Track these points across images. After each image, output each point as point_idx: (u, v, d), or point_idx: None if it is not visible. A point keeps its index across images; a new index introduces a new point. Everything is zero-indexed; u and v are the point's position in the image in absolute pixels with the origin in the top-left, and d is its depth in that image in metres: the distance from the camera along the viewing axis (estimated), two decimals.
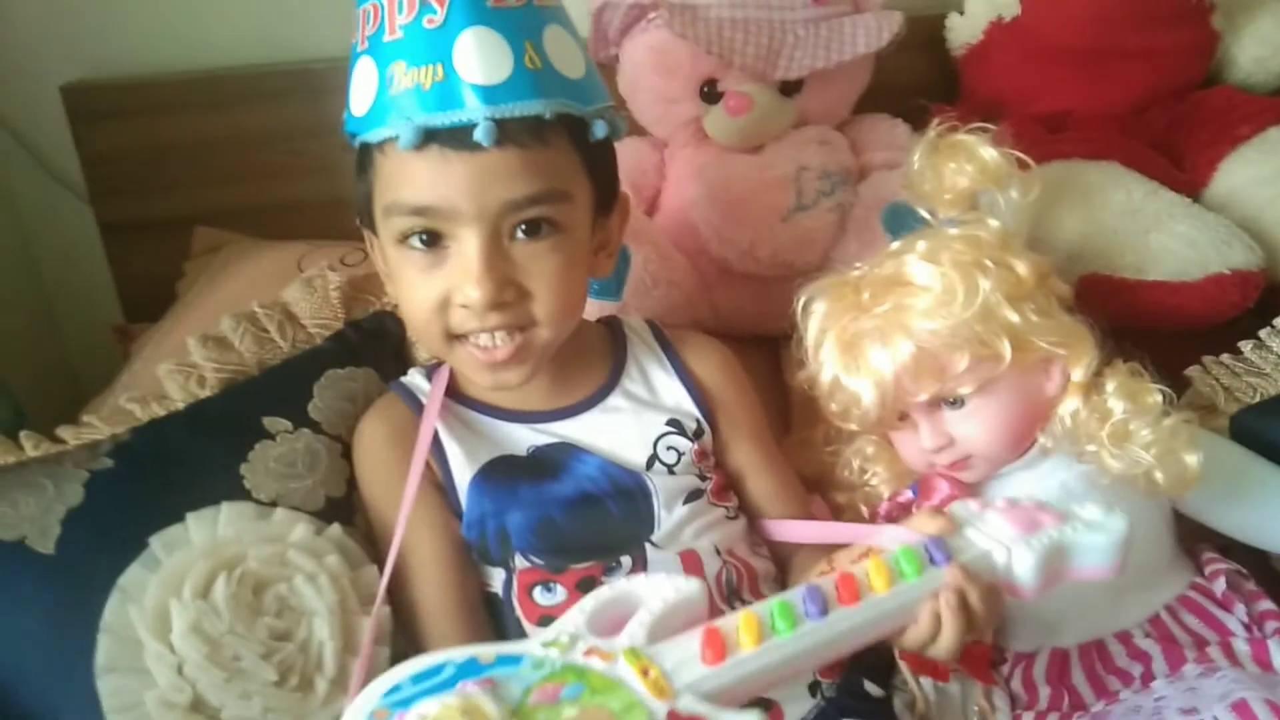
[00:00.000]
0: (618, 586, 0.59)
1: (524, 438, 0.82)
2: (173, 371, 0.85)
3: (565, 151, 0.73)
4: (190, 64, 1.31)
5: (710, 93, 1.11)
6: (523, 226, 0.72)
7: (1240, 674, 0.71)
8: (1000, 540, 0.63)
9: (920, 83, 1.29)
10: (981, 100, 1.23)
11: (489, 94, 0.68)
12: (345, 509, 0.81)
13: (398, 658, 0.76)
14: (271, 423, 0.82)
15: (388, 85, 0.70)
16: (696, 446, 0.83)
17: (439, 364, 0.85)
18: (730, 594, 0.79)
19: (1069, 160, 1.09)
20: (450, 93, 0.68)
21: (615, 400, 0.84)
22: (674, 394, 0.86)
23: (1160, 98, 1.21)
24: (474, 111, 0.68)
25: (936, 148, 0.86)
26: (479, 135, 0.68)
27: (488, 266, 0.71)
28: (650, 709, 0.50)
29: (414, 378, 0.86)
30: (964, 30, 1.28)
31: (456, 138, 0.69)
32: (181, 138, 1.28)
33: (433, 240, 0.72)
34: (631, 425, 0.83)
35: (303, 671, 0.72)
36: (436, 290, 0.73)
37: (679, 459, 0.82)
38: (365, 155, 0.75)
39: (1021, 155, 0.85)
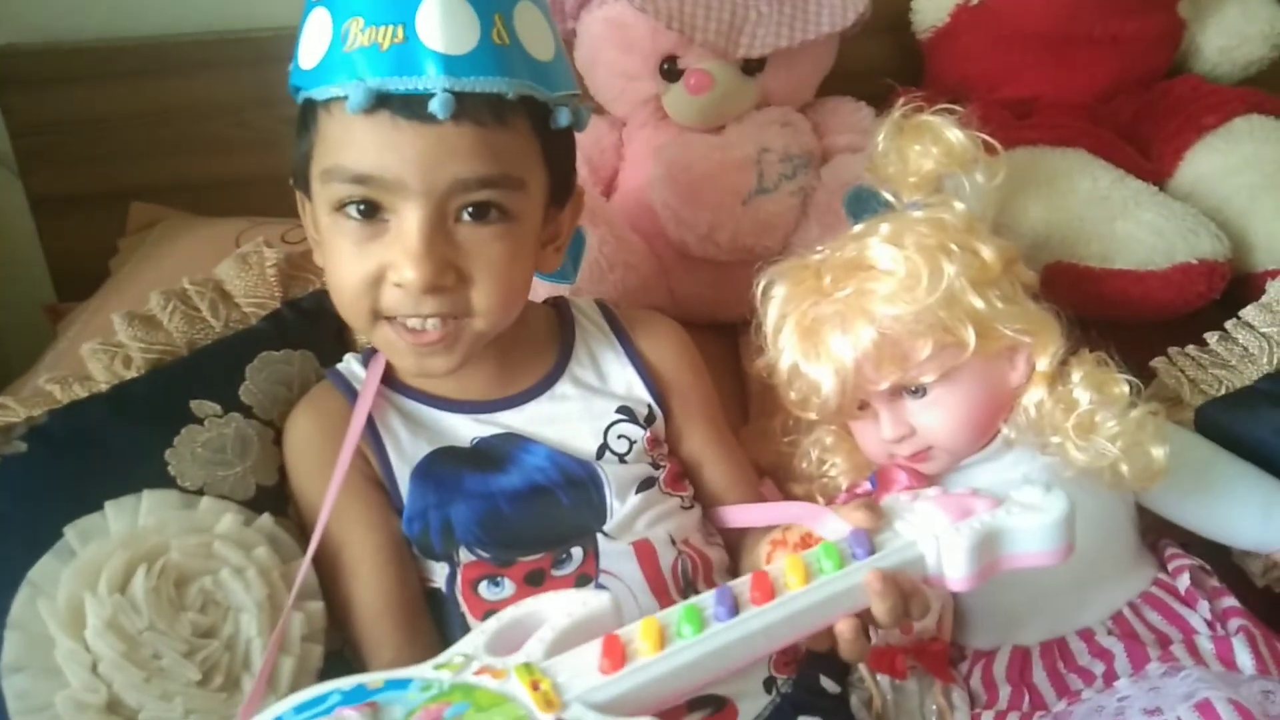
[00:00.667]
0: (522, 606, 0.57)
1: (467, 429, 0.78)
2: (97, 351, 0.81)
3: (524, 135, 0.70)
4: (129, 30, 1.26)
5: (670, 70, 1.08)
6: (470, 209, 0.68)
7: (1204, 673, 0.69)
8: (929, 531, 0.60)
9: (885, 66, 1.26)
10: (947, 85, 1.21)
11: (450, 64, 0.64)
12: (277, 498, 0.78)
13: (332, 656, 0.73)
14: (199, 406, 0.77)
15: (341, 40, 0.65)
16: (648, 433, 0.81)
17: (374, 350, 0.81)
18: (686, 585, 0.77)
19: (1035, 147, 1.07)
20: (409, 57, 0.64)
21: (563, 388, 0.81)
22: (625, 379, 0.83)
23: (1126, 86, 1.20)
24: (432, 81, 0.64)
25: (901, 129, 0.84)
26: (434, 106, 0.64)
27: (428, 247, 0.67)
28: None
29: (350, 365, 0.82)
30: (930, 13, 1.26)
31: (410, 106, 0.64)
32: (118, 108, 1.23)
33: (370, 211, 0.68)
34: (581, 414, 0.80)
35: (228, 670, 0.69)
36: (369, 265, 0.69)
37: (630, 447, 0.79)
38: (309, 112, 0.70)
39: (988, 138, 0.83)
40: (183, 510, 0.73)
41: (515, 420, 0.79)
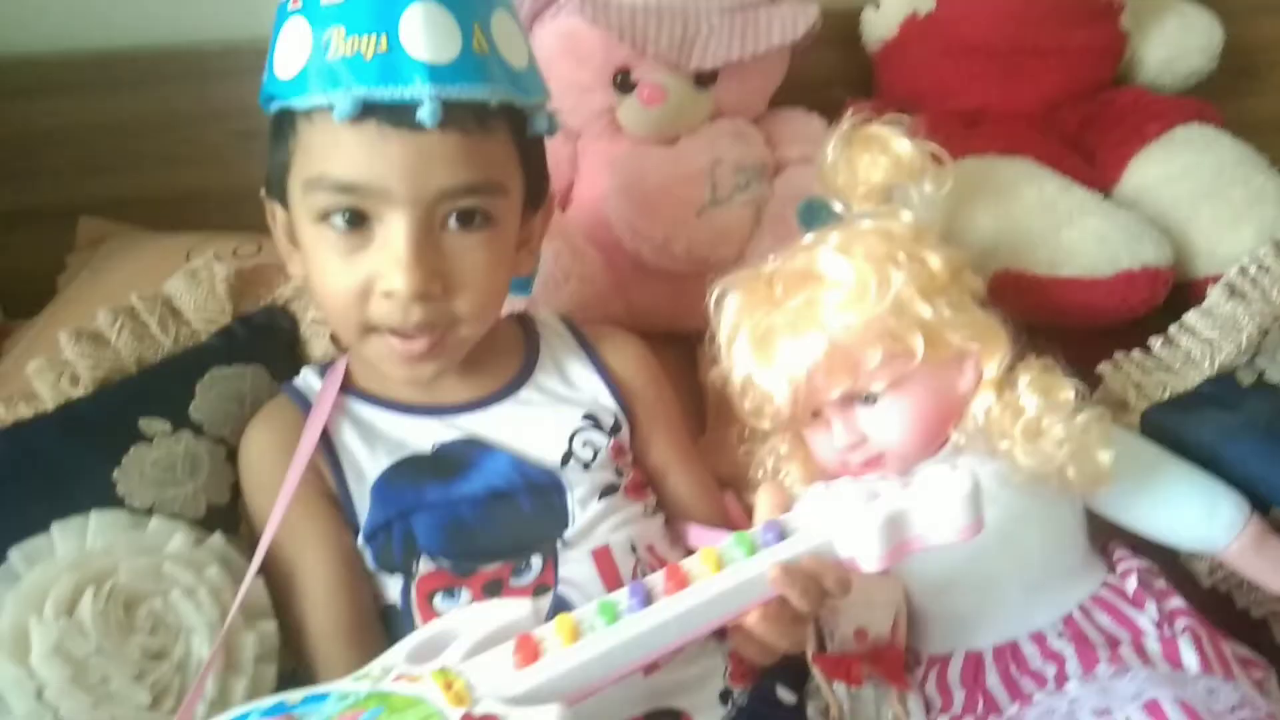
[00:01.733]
0: (442, 621, 0.59)
1: (429, 433, 0.78)
2: (43, 369, 0.80)
3: (504, 143, 0.71)
4: (75, 43, 1.23)
5: (624, 82, 1.08)
6: (455, 216, 0.69)
7: (1152, 673, 0.70)
8: (839, 515, 0.61)
9: (836, 78, 1.28)
10: (897, 96, 1.22)
11: (435, 73, 0.65)
12: (229, 517, 0.77)
13: (284, 676, 0.72)
14: (149, 424, 0.76)
15: (323, 50, 0.65)
16: (613, 442, 0.81)
17: (332, 363, 0.80)
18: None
19: (983, 156, 1.09)
20: (393, 66, 0.64)
21: (527, 394, 0.81)
22: (591, 387, 0.83)
23: (1072, 96, 1.22)
24: (418, 89, 0.64)
25: (850, 140, 0.85)
26: (423, 115, 0.64)
27: (417, 255, 0.67)
28: (445, 716, 0.48)
29: (307, 378, 0.81)
30: (880, 26, 1.27)
31: (397, 114, 0.65)
32: (65, 121, 1.20)
33: (356, 221, 0.68)
34: (545, 419, 0.80)
35: (180, 693, 0.68)
36: (358, 276, 0.69)
37: (595, 455, 0.79)
38: (286, 122, 0.69)
39: (936, 148, 0.85)
40: (132, 531, 0.71)
41: (479, 424, 0.79)
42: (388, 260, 0.67)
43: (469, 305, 0.71)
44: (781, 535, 0.61)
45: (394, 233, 0.67)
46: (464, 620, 0.58)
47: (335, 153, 0.66)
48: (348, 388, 0.79)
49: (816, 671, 0.78)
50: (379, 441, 0.77)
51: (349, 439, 0.77)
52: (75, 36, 1.23)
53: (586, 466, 0.79)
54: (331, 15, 0.65)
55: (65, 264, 1.16)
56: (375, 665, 0.54)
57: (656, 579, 0.58)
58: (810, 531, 0.62)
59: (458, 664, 0.53)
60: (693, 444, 0.90)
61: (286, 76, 0.68)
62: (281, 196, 0.73)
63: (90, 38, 1.24)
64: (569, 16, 1.07)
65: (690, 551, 0.83)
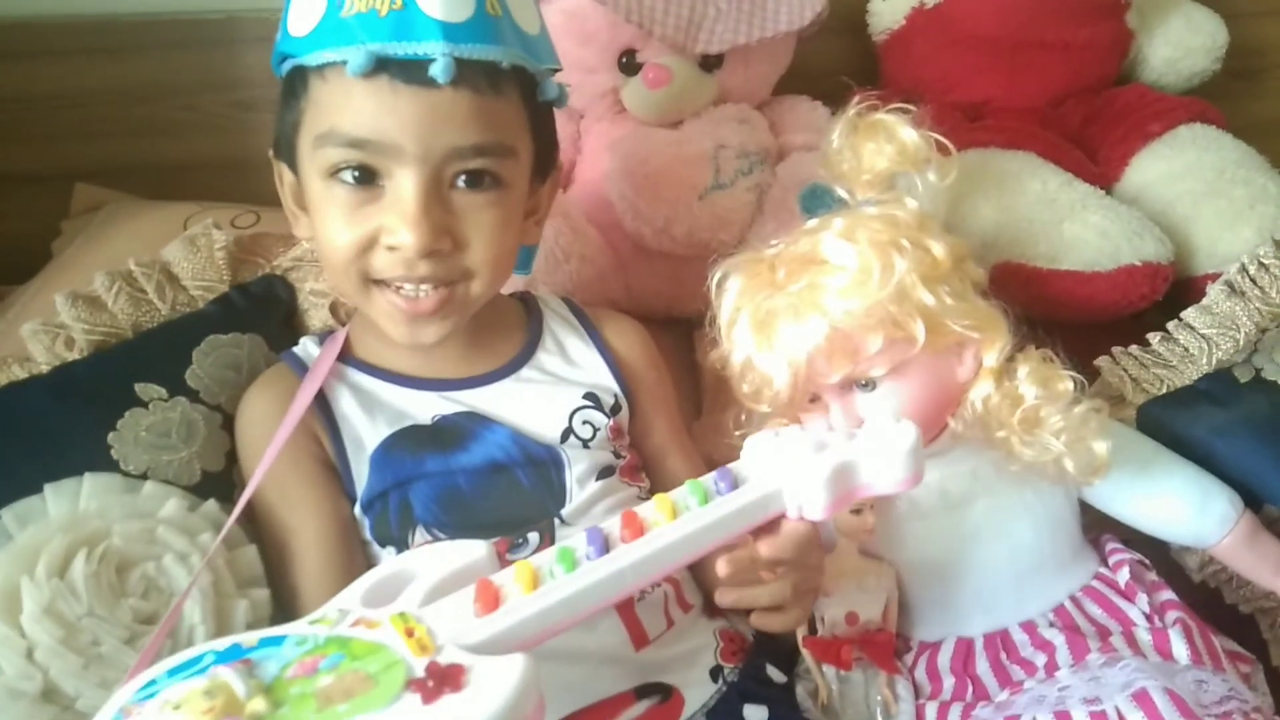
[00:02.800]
0: (397, 560, 0.59)
1: (429, 406, 0.78)
2: (38, 332, 0.79)
3: (515, 106, 0.71)
4: (78, 8, 1.22)
5: (629, 64, 1.08)
6: (464, 176, 0.69)
7: (1142, 663, 0.70)
8: (787, 465, 0.63)
9: (841, 68, 1.26)
10: (902, 87, 1.22)
11: (449, 31, 0.65)
12: (223, 484, 0.76)
13: None
14: (144, 389, 0.76)
15: (337, 7, 0.65)
16: (613, 423, 0.81)
17: (331, 331, 0.80)
18: None
19: (986, 149, 1.09)
20: (408, 23, 0.64)
21: (529, 372, 0.81)
22: (593, 367, 0.83)
23: (1076, 92, 1.22)
24: (432, 46, 0.64)
25: (856, 127, 0.84)
26: (436, 71, 0.64)
27: (425, 211, 0.67)
28: (409, 664, 0.48)
29: (306, 347, 0.81)
30: (886, 16, 1.27)
31: (409, 71, 0.65)
32: (64, 86, 1.20)
33: (365, 177, 0.68)
34: (546, 397, 0.80)
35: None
36: (364, 229, 0.69)
37: (594, 434, 0.79)
38: (299, 80, 0.69)
39: (940, 138, 0.84)
40: (125, 494, 0.71)
41: (479, 400, 0.78)
42: (395, 216, 0.68)
43: (480, 259, 0.71)
44: (734, 484, 0.63)
45: (403, 189, 0.67)
46: (420, 561, 0.58)
47: (347, 108, 0.66)
48: (348, 358, 0.79)
49: (806, 654, 0.78)
50: (379, 410, 0.77)
51: (348, 407, 0.77)
52: (76, 2, 1.23)
53: (586, 445, 0.79)
54: None
55: (60, 230, 1.16)
56: (330, 608, 0.54)
57: (613, 525, 0.60)
58: (760, 480, 0.64)
59: (417, 610, 0.53)
60: (687, 431, 0.90)
61: (300, 33, 0.68)
62: (290, 158, 0.73)
63: (91, 4, 1.23)
64: None
65: None
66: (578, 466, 0.77)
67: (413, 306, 0.71)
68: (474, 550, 0.58)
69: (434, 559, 0.58)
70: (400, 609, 0.53)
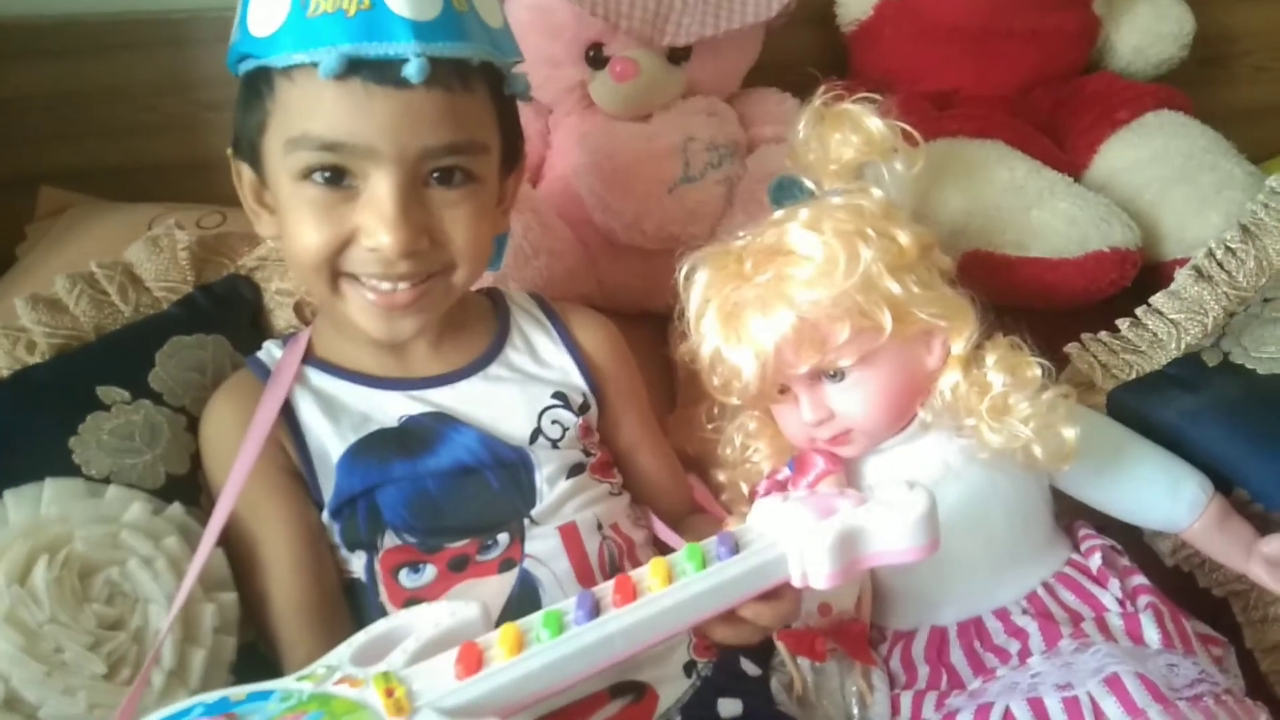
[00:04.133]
0: (392, 619, 0.58)
1: (396, 406, 0.77)
2: None
3: (485, 101, 0.70)
4: (39, 9, 1.20)
5: (596, 57, 1.07)
6: (437, 174, 0.69)
7: (1113, 648, 0.71)
8: (792, 530, 0.60)
9: (810, 59, 1.25)
10: (871, 78, 1.22)
11: (419, 30, 0.64)
12: (188, 488, 0.75)
13: (244, 648, 0.71)
14: (107, 393, 0.75)
15: (302, 7, 0.64)
16: (581, 421, 0.80)
17: (294, 334, 0.79)
18: (613, 571, 0.76)
19: (954, 138, 1.09)
20: (378, 23, 0.63)
21: (497, 370, 0.81)
22: (561, 365, 0.83)
23: (1044, 80, 1.23)
24: (404, 46, 0.64)
25: (822, 117, 0.84)
26: (409, 71, 0.63)
27: (404, 212, 0.67)
28: None
29: (270, 351, 0.80)
30: (854, 7, 1.27)
31: (381, 71, 0.64)
32: (27, 89, 1.18)
33: (337, 178, 0.67)
34: (514, 396, 0.79)
35: (136, 663, 0.66)
36: (338, 230, 0.68)
37: (564, 434, 0.79)
38: (262, 80, 0.68)
39: (907, 128, 0.84)
40: (88, 499, 0.70)
41: (447, 399, 0.78)
42: (373, 217, 0.67)
43: (461, 251, 0.71)
44: (735, 549, 0.60)
45: (378, 190, 0.67)
46: (413, 619, 0.57)
47: (319, 111, 0.65)
48: (311, 359, 0.78)
49: (781, 647, 0.78)
50: (343, 415, 0.76)
51: (312, 414, 0.76)
52: (36, 3, 1.21)
53: (555, 445, 0.78)
54: None
55: (25, 234, 1.14)
56: (320, 664, 0.54)
57: (605, 590, 0.58)
58: (762, 546, 0.61)
59: (400, 670, 0.53)
60: (658, 424, 0.90)
61: (263, 34, 0.66)
62: (252, 157, 0.72)
63: (51, 6, 1.21)
64: None
65: (657, 541, 0.83)
66: (547, 467, 0.77)
67: (388, 300, 0.71)
68: (467, 611, 0.57)
69: (427, 618, 0.57)
70: (384, 668, 0.53)
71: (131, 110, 1.19)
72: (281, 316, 0.87)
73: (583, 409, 0.81)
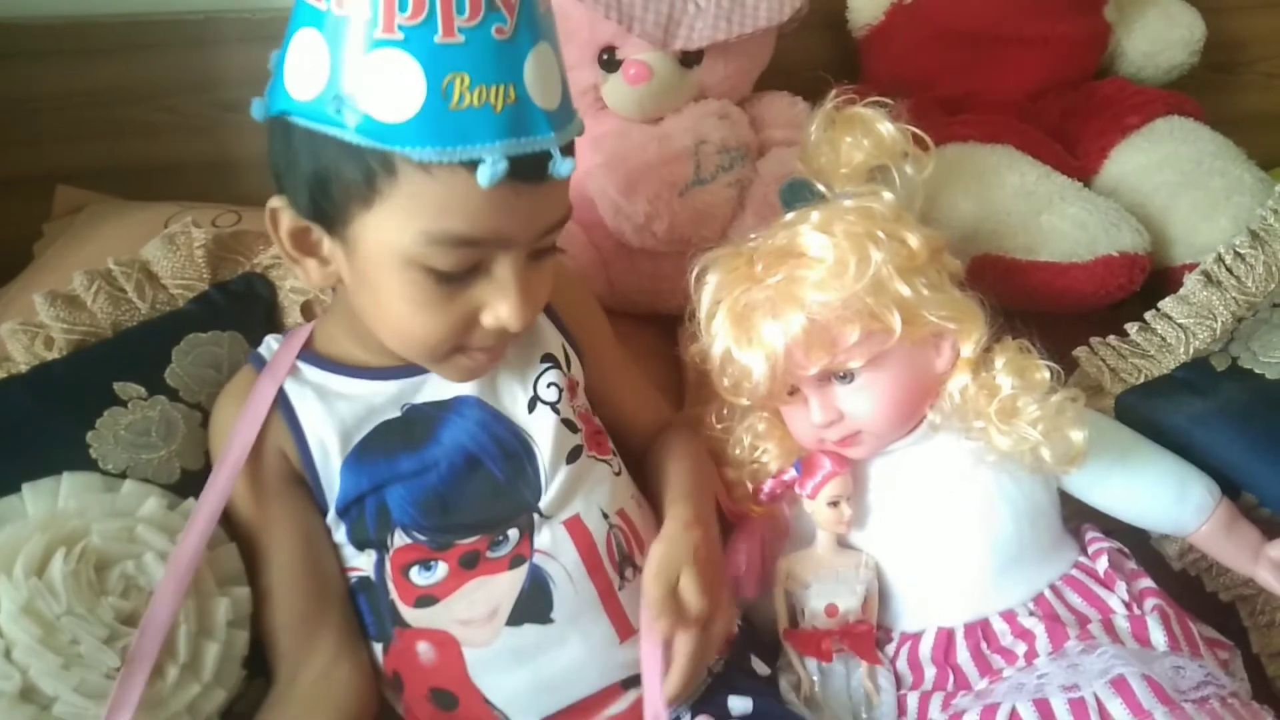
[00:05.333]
0: None
1: (398, 394, 0.76)
2: (16, 331, 0.79)
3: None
4: (57, 9, 1.22)
5: (609, 60, 1.08)
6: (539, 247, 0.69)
7: (1120, 650, 0.71)
8: None
9: (822, 63, 1.25)
10: (882, 82, 1.22)
11: (554, 120, 0.63)
12: (203, 483, 0.75)
13: (256, 642, 0.72)
14: (123, 388, 0.76)
15: (444, 98, 0.60)
16: (568, 379, 0.81)
17: (294, 329, 0.80)
18: (622, 560, 0.77)
19: (965, 143, 1.09)
20: (524, 118, 0.61)
21: None
22: (542, 327, 0.82)
23: (1055, 85, 1.23)
24: (548, 141, 0.62)
25: (833, 121, 0.85)
26: (560, 170, 0.63)
27: (526, 291, 0.67)
28: None
29: (270, 346, 0.79)
30: (865, 11, 1.27)
31: (529, 169, 0.62)
32: (44, 88, 1.19)
33: (465, 266, 0.66)
34: (509, 365, 0.79)
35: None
36: (460, 313, 0.68)
37: (560, 395, 0.79)
38: (374, 158, 0.62)
39: (918, 131, 0.85)
40: (104, 493, 0.71)
41: (444, 381, 0.77)
42: (497, 297, 0.67)
43: (532, 318, 0.71)
44: None
45: (504, 273, 0.66)
46: None
47: (465, 210, 0.62)
48: (311, 355, 0.78)
49: (787, 646, 0.78)
50: (345, 411, 0.75)
51: (310, 413, 0.75)
52: (56, 3, 1.22)
53: (554, 408, 0.78)
54: (452, 59, 0.59)
55: (42, 232, 1.15)
56: None
57: None
58: None
59: None
60: (631, 360, 0.92)
61: (390, 119, 0.60)
62: (325, 214, 0.67)
63: (71, 5, 1.22)
64: None
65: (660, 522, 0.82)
66: (545, 446, 0.76)
67: (490, 360, 0.73)
68: None
69: None
70: None
71: (149, 110, 1.20)
72: (295, 314, 0.88)
73: (568, 365, 0.82)
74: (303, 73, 0.62)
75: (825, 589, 0.80)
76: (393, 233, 0.64)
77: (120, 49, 1.20)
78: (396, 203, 0.63)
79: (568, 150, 0.66)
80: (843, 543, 0.83)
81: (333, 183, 0.64)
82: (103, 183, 1.19)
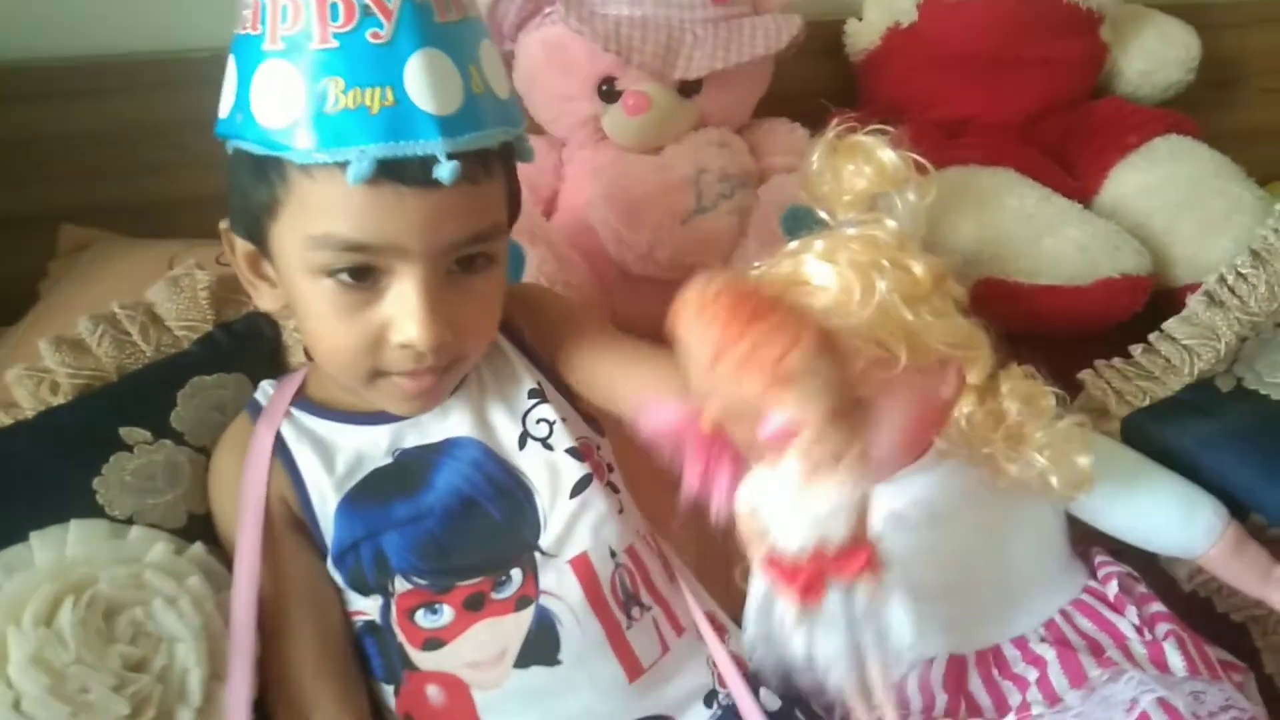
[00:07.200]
0: None
1: (390, 440, 0.76)
2: (22, 377, 0.79)
3: (500, 181, 0.69)
4: (61, 49, 1.22)
5: (609, 91, 1.08)
6: (460, 261, 0.68)
7: (1144, 676, 0.71)
8: None
9: (820, 88, 1.28)
10: (880, 106, 1.23)
11: (445, 125, 0.62)
12: (211, 526, 0.76)
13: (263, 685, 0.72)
14: (129, 433, 0.76)
15: (320, 102, 0.61)
16: (557, 411, 0.78)
17: (288, 374, 0.80)
18: (627, 599, 0.76)
19: (965, 166, 1.10)
20: (403, 121, 0.61)
21: (475, 382, 0.79)
22: (517, 363, 0.80)
23: (1054, 107, 1.23)
24: (432, 145, 0.61)
25: (835, 149, 0.85)
26: (441, 175, 0.62)
27: (433, 308, 0.65)
28: None
29: (265, 390, 0.79)
30: (863, 36, 1.28)
31: (410, 172, 0.62)
32: (48, 128, 1.19)
33: (360, 274, 0.66)
34: (496, 402, 0.78)
35: (161, 703, 0.67)
36: (367, 327, 0.67)
37: (551, 430, 0.78)
38: (272, 168, 0.64)
39: (919, 158, 0.85)
40: (112, 540, 0.71)
41: (436, 420, 0.77)
42: (401, 313, 0.66)
43: (474, 343, 0.71)
44: None
45: (406, 287, 0.65)
46: None
47: (344, 212, 0.63)
48: (304, 402, 0.78)
49: (765, 577, 0.56)
50: (337, 458, 0.75)
51: (308, 461, 0.75)
52: (60, 43, 1.23)
53: (545, 444, 0.77)
54: (327, 64, 0.61)
55: (47, 270, 1.16)
56: None
57: None
58: None
59: None
60: (608, 323, 0.87)
61: (275, 125, 0.63)
62: (250, 233, 0.70)
63: (75, 44, 1.23)
64: (555, 26, 1.07)
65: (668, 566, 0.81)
66: (540, 483, 0.76)
67: (417, 386, 0.70)
68: None
69: None
70: None
71: (154, 148, 1.20)
72: (299, 354, 0.88)
73: (544, 397, 0.79)
74: (225, 94, 0.68)
75: (807, 528, 0.54)
76: (293, 241, 0.66)
77: (128, 87, 1.21)
78: (291, 210, 0.65)
79: (484, 158, 0.65)
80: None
81: (249, 197, 0.67)
82: (110, 221, 1.19)
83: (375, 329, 0.67)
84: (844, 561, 0.57)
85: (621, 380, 0.77)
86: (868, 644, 0.55)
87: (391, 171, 0.62)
